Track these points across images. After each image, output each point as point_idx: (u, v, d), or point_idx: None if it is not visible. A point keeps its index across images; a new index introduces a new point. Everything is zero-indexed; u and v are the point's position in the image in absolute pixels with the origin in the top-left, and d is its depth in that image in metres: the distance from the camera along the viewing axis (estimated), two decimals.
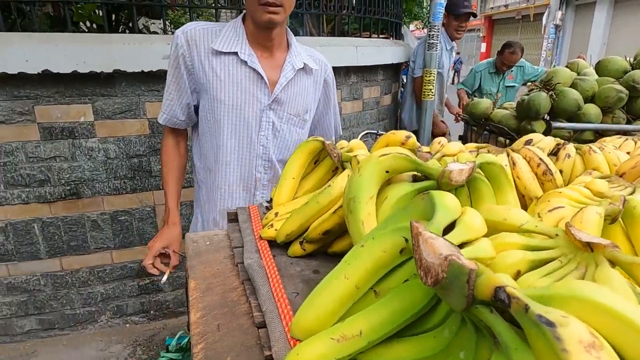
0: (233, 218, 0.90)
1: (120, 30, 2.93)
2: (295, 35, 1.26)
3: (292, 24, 3.07)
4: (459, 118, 3.31)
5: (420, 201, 0.50)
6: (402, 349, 0.46)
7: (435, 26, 2.79)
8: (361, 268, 0.48)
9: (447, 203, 0.46)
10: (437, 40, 2.82)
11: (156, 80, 1.99)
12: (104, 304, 2.22)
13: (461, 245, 0.44)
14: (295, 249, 0.73)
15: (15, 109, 1.87)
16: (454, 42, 3.11)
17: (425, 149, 0.93)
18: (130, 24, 2.32)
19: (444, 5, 2.81)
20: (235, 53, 1.11)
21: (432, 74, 2.87)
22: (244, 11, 1.17)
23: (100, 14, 2.49)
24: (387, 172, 0.61)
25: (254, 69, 1.13)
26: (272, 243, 0.77)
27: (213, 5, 2.20)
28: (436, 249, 0.36)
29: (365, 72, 2.75)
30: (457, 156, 0.79)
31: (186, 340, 0.89)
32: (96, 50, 1.82)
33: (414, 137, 0.86)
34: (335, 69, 2.46)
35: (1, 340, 2.13)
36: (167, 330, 2.22)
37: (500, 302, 0.31)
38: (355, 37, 3.00)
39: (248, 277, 0.69)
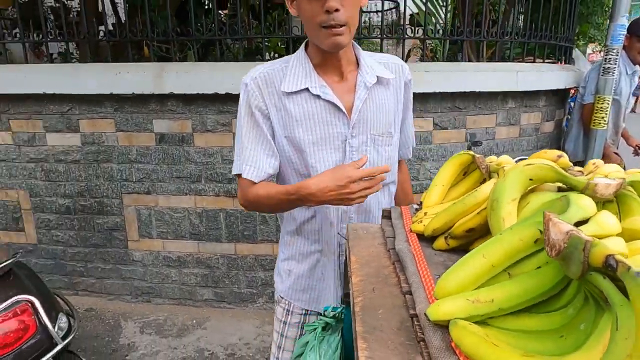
0: (387, 215, 1.06)
1: None
2: (452, 60, 1.34)
3: (451, 49, 3.16)
4: (639, 150, 2.93)
5: (558, 201, 0.59)
6: (530, 320, 0.55)
7: (613, 49, 2.56)
8: (498, 250, 0.59)
9: (581, 202, 0.54)
10: (615, 64, 2.58)
11: None
12: (263, 288, 2.61)
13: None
14: (440, 243, 0.85)
15: (220, 120, 2.38)
16: (636, 67, 2.79)
17: (577, 168, 0.95)
18: None
19: (626, 27, 2.56)
20: (307, 89, 1.05)
21: (606, 101, 2.63)
22: (306, 40, 1.12)
23: (283, 45, 2.98)
24: (530, 179, 0.69)
25: (328, 101, 1.06)
26: (420, 237, 0.91)
27: (379, 36, 2.45)
28: (561, 228, 0.46)
29: (525, 97, 2.67)
30: (597, 172, 0.81)
31: (339, 310, 1.07)
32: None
33: (565, 156, 0.90)
34: (491, 94, 2.48)
35: (187, 303, 2.68)
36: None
37: (610, 267, 0.39)
38: (517, 62, 2.93)
39: (398, 259, 0.84)
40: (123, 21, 2.98)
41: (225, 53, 2.89)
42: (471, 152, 0.96)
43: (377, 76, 1.10)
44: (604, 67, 2.61)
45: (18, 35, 2.61)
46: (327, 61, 1.07)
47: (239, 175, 1.11)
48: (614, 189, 0.66)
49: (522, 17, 3.28)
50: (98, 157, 2.54)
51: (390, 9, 5.13)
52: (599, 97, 2.65)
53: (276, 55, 3.29)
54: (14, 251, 2.76)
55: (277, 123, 1.08)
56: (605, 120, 2.66)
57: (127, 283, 2.73)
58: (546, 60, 2.90)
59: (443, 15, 2.75)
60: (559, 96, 2.98)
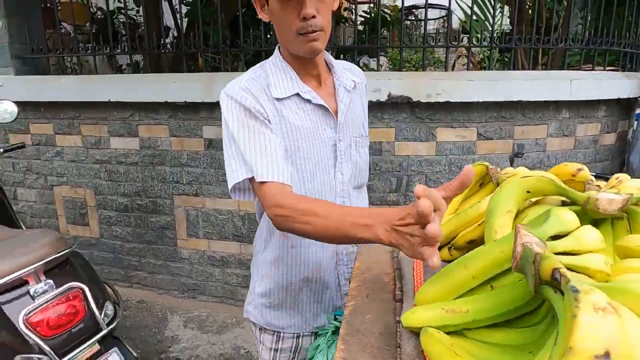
0: None
1: None
2: (502, 69, 1.27)
3: (501, 56, 3.05)
4: None
5: (542, 215, 0.57)
6: (504, 334, 0.54)
7: None
8: (479, 262, 0.58)
9: (560, 216, 0.53)
10: None
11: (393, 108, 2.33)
12: None
13: (568, 254, 0.50)
14: (444, 253, 0.85)
15: None
16: None
17: (597, 183, 0.90)
18: (356, 63, 2.80)
19: None
20: (297, 94, 1.02)
21: None
22: (276, 48, 1.08)
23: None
24: (528, 192, 0.68)
25: (318, 105, 1.03)
26: None
27: (421, 45, 2.43)
28: (522, 240, 0.45)
29: (581, 107, 2.51)
30: (619, 187, 0.76)
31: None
32: None
33: (586, 170, 0.86)
34: (542, 103, 2.36)
35: (228, 302, 2.80)
36: None
37: (555, 280, 0.39)
38: (574, 69, 2.77)
39: (400, 267, 0.84)
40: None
41: None
42: (486, 163, 0.94)
43: (353, 80, 1.11)
44: None
45: (91, 48, 2.89)
46: (304, 67, 1.04)
47: (262, 182, 0.93)
48: (619, 205, 0.63)
49: (582, 22, 3.09)
50: (153, 160, 2.74)
51: (442, 17, 5.04)
52: None
53: None
54: (80, 243, 3.05)
55: (278, 130, 1.00)
56: None
57: (175, 279, 2.91)
58: (608, 68, 2.71)
59: (493, 22, 2.66)
60: (623, 106, 2.77)
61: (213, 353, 2.38)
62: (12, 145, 2.25)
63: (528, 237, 0.46)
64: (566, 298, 0.35)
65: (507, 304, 0.54)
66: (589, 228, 0.52)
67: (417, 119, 2.33)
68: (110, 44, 2.80)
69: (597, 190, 0.87)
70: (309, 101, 1.02)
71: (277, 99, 1.00)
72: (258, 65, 1.07)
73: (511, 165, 2.04)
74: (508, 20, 3.36)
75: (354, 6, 3.96)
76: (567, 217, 0.52)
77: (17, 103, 2.19)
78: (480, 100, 2.28)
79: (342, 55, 3.79)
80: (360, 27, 3.82)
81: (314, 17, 0.94)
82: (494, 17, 2.63)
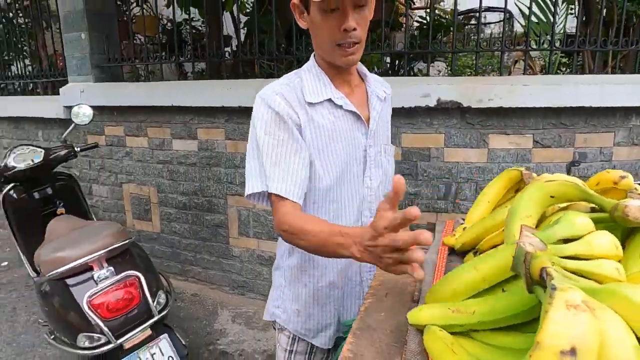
0: (431, 228, 1.06)
1: (400, 74, 3.47)
2: (564, 73, 1.23)
3: (570, 60, 2.87)
4: None
5: (557, 218, 0.55)
6: (509, 338, 0.53)
7: None
8: (489, 264, 0.58)
9: (572, 219, 0.51)
10: None
11: (412, 115, 2.31)
12: None
13: (578, 258, 0.49)
14: (469, 258, 0.83)
15: None
16: None
17: None
18: (407, 68, 2.77)
19: None
20: (329, 99, 1.04)
21: None
22: (312, 55, 1.11)
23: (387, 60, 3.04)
24: (552, 197, 0.65)
25: (349, 111, 1.05)
26: (453, 251, 0.89)
27: (474, 49, 2.37)
28: (521, 240, 0.45)
29: None
30: None
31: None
32: None
33: (630, 177, 0.81)
34: (609, 109, 2.20)
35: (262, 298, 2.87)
36: None
37: (543, 279, 0.38)
38: None
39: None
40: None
41: None
42: (521, 168, 0.92)
43: (385, 91, 1.15)
44: None
45: (158, 57, 3.13)
46: (339, 74, 1.07)
47: (277, 196, 0.97)
48: None
49: None
50: (210, 162, 2.90)
51: (500, 20, 4.84)
52: None
53: (379, 69, 3.36)
54: (143, 237, 3.29)
55: (308, 134, 1.01)
56: None
57: (226, 275, 3.04)
58: None
59: (553, 23, 2.53)
60: None
61: (257, 349, 2.46)
62: (87, 145, 2.49)
63: (528, 237, 0.46)
64: (545, 296, 0.35)
65: (514, 307, 0.53)
66: (601, 233, 0.50)
67: (467, 125, 2.27)
68: (176, 53, 3.02)
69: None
70: (340, 107, 1.04)
71: (310, 104, 1.02)
72: (293, 72, 1.10)
73: (568, 174, 1.92)
74: (563, 23, 3.16)
75: (411, 11, 3.94)
76: (579, 221, 0.51)
77: (95, 107, 2.42)
78: (538, 106, 2.17)
79: (396, 61, 3.78)
80: (416, 32, 3.78)
81: (354, 29, 0.96)
82: (554, 17, 2.50)
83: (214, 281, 3.11)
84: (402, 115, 2.32)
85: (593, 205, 0.67)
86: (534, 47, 2.50)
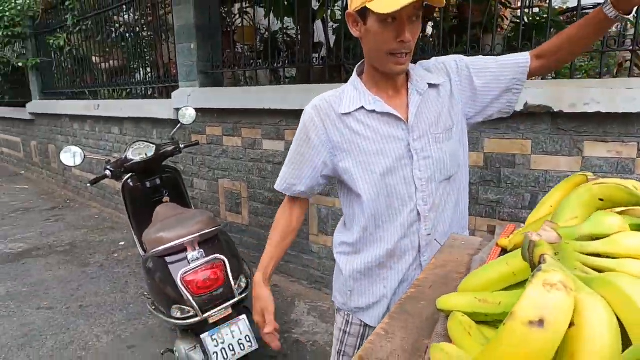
0: (492, 230, 1.06)
1: None
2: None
3: None
4: None
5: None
6: None
7: None
8: (520, 259, 0.59)
9: (601, 218, 0.51)
10: None
11: (495, 119, 2.23)
12: None
13: (601, 255, 0.49)
14: None
15: None
16: None
17: None
18: None
19: None
20: (362, 107, 1.13)
21: None
22: (360, 63, 1.20)
23: None
24: (601, 200, 0.64)
25: (384, 112, 1.12)
26: (505, 252, 0.89)
27: None
28: (538, 233, 0.48)
29: None
30: None
31: None
32: None
33: None
34: None
35: None
36: None
37: (541, 264, 0.41)
38: None
39: (471, 267, 0.86)
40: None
41: None
42: (588, 174, 0.88)
43: (428, 83, 1.16)
44: None
45: (254, 64, 3.41)
46: (384, 80, 1.14)
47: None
48: None
49: None
50: None
51: None
52: None
53: None
54: (234, 228, 3.60)
55: (341, 144, 1.15)
56: None
57: (305, 270, 3.20)
58: None
59: None
60: None
61: (329, 342, 2.56)
62: (190, 142, 2.82)
63: (546, 231, 0.48)
64: (530, 276, 0.39)
65: None
66: (632, 233, 0.50)
67: (559, 131, 2.13)
68: (269, 60, 3.26)
69: None
70: (373, 111, 1.13)
71: (344, 114, 1.14)
72: (339, 88, 1.21)
73: None
74: None
75: (508, 11, 3.74)
76: (608, 220, 0.51)
77: (198, 109, 2.74)
78: None
79: None
80: (510, 34, 3.58)
81: (410, 41, 1.03)
82: None
83: (294, 274, 3.28)
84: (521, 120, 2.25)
85: None
86: None
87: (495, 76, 1.19)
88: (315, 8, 3.64)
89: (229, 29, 4.15)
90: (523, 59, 1.19)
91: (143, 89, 4.65)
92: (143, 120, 4.40)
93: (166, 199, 2.73)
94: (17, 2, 5.57)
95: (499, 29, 3.96)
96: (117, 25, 4.91)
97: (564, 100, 2.04)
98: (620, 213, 0.70)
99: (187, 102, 3.53)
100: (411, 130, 1.13)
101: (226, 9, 4.41)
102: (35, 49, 6.35)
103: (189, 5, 3.50)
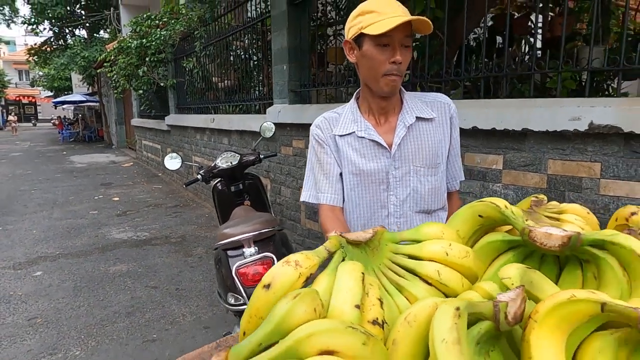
0: None
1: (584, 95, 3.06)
2: None
3: None
4: None
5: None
6: None
7: None
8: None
9: (421, 227, 0.60)
10: None
11: (558, 139, 2.10)
12: None
13: (414, 257, 0.58)
14: None
15: None
16: None
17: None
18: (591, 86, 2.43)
19: None
20: (354, 132, 1.27)
21: None
22: (358, 90, 1.33)
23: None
24: (480, 216, 0.70)
25: (372, 140, 1.25)
26: None
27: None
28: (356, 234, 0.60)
29: None
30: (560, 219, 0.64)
31: None
32: (510, 112, 2.20)
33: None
34: None
35: None
36: None
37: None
38: None
39: None
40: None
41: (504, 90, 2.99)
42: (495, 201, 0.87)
43: (417, 116, 1.24)
44: None
45: (334, 82, 3.65)
46: (378, 105, 1.28)
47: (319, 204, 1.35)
48: (559, 242, 0.61)
49: None
50: None
51: None
52: None
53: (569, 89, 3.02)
54: (312, 235, 3.86)
55: (336, 159, 1.32)
56: None
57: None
58: None
59: None
60: None
61: None
62: (269, 153, 3.16)
63: (365, 233, 0.60)
64: None
65: None
66: (438, 241, 0.58)
67: (633, 154, 1.92)
68: (346, 79, 3.47)
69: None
70: (363, 137, 1.27)
71: (339, 136, 1.31)
72: (339, 107, 1.38)
73: None
74: None
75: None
76: (424, 229, 0.60)
77: (287, 124, 3.06)
78: None
79: (595, 78, 3.29)
80: (614, 45, 3.20)
81: (400, 63, 1.16)
82: None
83: None
84: (548, 139, 2.14)
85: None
86: None
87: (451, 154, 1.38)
88: None
89: (322, 50, 4.48)
90: (455, 182, 1.41)
91: (248, 105, 5.25)
92: (246, 133, 4.97)
93: (247, 202, 3.11)
94: (161, 32, 6.73)
95: (605, 42, 3.59)
96: (232, 49, 5.62)
97: (636, 120, 1.85)
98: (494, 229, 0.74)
99: (277, 118, 3.93)
100: (393, 159, 1.26)
101: (320, 33, 4.76)
102: (173, 71, 7.56)
103: (284, 30, 3.91)
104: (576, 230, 0.60)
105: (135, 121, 11.21)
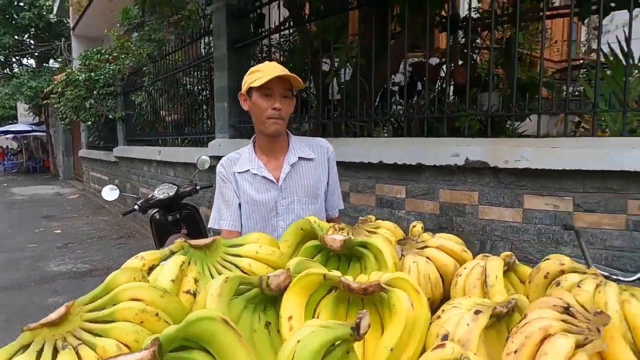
0: None
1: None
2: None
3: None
4: None
5: None
6: None
7: None
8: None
9: (247, 235, 0.87)
10: None
11: (446, 173, 2.49)
12: None
13: (240, 256, 0.85)
14: None
15: (367, 184, 2.91)
16: None
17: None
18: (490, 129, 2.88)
19: None
20: (249, 170, 1.54)
21: None
22: (254, 135, 1.61)
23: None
24: (301, 229, 0.98)
25: (263, 176, 1.53)
26: None
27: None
28: None
29: None
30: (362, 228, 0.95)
31: None
32: (409, 149, 2.58)
33: (418, 226, 1.05)
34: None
35: None
36: None
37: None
38: None
39: None
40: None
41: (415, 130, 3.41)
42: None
43: (299, 156, 1.54)
44: None
45: None
46: (268, 144, 1.58)
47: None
48: (339, 244, 0.90)
49: None
50: None
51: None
52: None
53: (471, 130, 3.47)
54: None
55: (236, 191, 1.58)
56: None
57: None
58: None
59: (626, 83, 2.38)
60: None
61: None
62: (205, 184, 3.39)
63: (196, 241, 0.86)
64: None
65: None
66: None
67: (500, 184, 2.33)
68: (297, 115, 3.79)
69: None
70: (256, 174, 1.56)
71: (238, 172, 1.58)
72: (241, 149, 1.65)
73: (578, 238, 1.83)
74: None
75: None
76: (248, 237, 0.87)
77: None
78: (574, 169, 2.11)
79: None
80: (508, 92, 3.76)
81: (280, 109, 1.47)
82: (626, 77, 2.37)
83: None
84: (438, 172, 2.52)
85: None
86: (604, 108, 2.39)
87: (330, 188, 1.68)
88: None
89: None
90: (334, 210, 1.70)
91: (195, 138, 5.47)
92: (191, 165, 5.15)
93: (184, 231, 3.29)
94: (110, 67, 6.88)
95: (500, 87, 4.17)
96: (179, 85, 5.87)
97: (500, 156, 2.26)
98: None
99: (218, 151, 4.17)
100: (280, 191, 1.55)
101: None
102: (123, 103, 7.67)
103: (224, 71, 4.22)
104: (351, 237, 0.89)
105: (83, 152, 11.05)
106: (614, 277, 1.65)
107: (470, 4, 2.84)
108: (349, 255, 0.92)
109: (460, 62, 4.06)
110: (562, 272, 0.79)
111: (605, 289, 0.68)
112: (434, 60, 4.60)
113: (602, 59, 2.74)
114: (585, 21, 3.99)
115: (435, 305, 0.91)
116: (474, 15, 4.95)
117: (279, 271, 0.73)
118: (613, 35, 2.94)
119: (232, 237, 1.49)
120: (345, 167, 2.98)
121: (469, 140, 2.45)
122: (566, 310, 0.58)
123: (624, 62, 2.63)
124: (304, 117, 3.70)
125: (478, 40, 4.65)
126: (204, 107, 5.57)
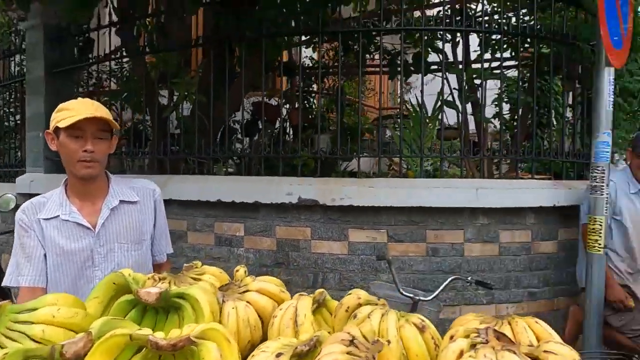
0: None
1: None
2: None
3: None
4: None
5: None
6: None
7: (598, 167, 2.36)
8: None
9: (41, 299, 0.78)
10: (602, 182, 2.35)
11: (281, 210, 2.62)
12: None
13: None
14: None
15: (206, 222, 2.85)
16: None
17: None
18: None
19: (609, 144, 2.37)
20: (58, 216, 1.36)
21: (598, 222, 2.35)
22: (66, 178, 1.42)
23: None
24: (114, 283, 0.92)
25: (75, 222, 1.37)
26: None
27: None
28: None
29: (502, 214, 2.56)
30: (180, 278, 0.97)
31: None
32: (246, 188, 2.65)
33: (241, 270, 1.08)
34: (454, 209, 2.46)
35: None
36: None
37: None
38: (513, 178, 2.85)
39: None
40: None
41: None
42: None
43: (120, 200, 1.43)
44: (591, 186, 2.39)
45: None
46: (82, 187, 1.40)
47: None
48: (155, 297, 0.85)
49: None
50: None
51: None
52: (589, 217, 2.39)
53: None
54: None
55: (41, 241, 1.37)
56: (599, 244, 2.34)
57: None
58: (537, 177, 2.75)
59: (421, 132, 2.91)
60: (561, 214, 2.73)
61: None
62: (5, 229, 2.86)
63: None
64: None
65: None
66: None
67: (329, 220, 2.55)
68: (131, 150, 3.49)
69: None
70: (67, 220, 1.37)
71: (44, 219, 1.37)
72: (49, 192, 1.45)
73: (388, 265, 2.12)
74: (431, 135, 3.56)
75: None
76: (39, 301, 0.78)
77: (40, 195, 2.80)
78: (386, 205, 2.46)
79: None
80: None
81: (92, 152, 1.33)
82: (422, 128, 2.89)
83: None
84: (274, 210, 2.63)
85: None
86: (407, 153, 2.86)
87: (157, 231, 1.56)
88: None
89: None
90: (162, 255, 1.59)
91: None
92: None
93: None
94: None
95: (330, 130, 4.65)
96: None
97: (327, 195, 2.49)
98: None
99: (29, 188, 3.57)
100: (97, 238, 1.40)
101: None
102: None
103: (40, 97, 3.70)
104: (167, 288, 0.87)
105: None
106: (417, 297, 1.96)
107: (299, 54, 3.12)
108: (167, 308, 0.89)
109: (296, 105, 4.39)
110: (360, 305, 0.91)
111: (387, 318, 0.81)
112: (275, 101, 4.87)
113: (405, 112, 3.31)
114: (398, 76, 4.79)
115: (256, 346, 0.93)
116: (309, 64, 5.49)
117: (78, 336, 0.66)
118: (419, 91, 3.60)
119: (35, 295, 1.26)
120: (183, 206, 2.88)
121: (301, 179, 2.64)
122: (352, 342, 0.67)
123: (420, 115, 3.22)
124: (138, 152, 3.47)
125: (315, 86, 5.13)
126: (13, 134, 4.75)
